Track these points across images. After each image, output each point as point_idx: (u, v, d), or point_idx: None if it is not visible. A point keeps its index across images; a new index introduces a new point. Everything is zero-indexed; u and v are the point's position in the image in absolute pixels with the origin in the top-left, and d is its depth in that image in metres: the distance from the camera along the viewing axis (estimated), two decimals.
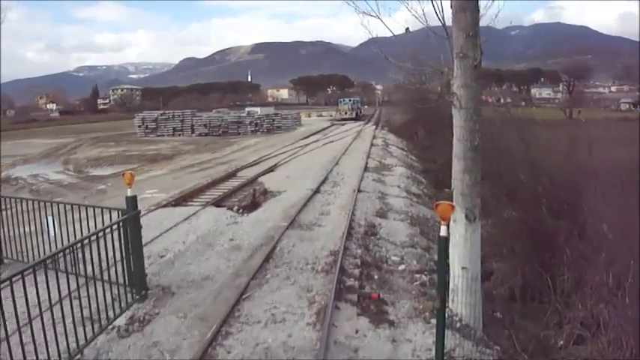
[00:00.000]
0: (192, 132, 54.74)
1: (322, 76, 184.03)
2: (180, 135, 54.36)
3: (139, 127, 56.34)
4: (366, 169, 20.17)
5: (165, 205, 14.36)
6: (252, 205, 13.88)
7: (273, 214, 12.35)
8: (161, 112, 59.95)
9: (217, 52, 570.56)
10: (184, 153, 36.83)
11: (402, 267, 9.16)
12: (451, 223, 7.17)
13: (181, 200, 15.05)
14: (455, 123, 6.85)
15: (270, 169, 20.75)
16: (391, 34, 7.88)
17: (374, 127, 52.48)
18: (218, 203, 14.34)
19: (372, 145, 31.01)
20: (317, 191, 15.44)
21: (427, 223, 13.54)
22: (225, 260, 8.88)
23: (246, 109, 67.18)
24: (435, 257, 10.86)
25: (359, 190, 15.31)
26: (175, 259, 9.08)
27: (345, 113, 67.25)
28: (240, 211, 13.54)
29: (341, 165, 21.63)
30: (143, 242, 10.65)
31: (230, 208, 13.72)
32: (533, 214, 11.50)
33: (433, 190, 19.96)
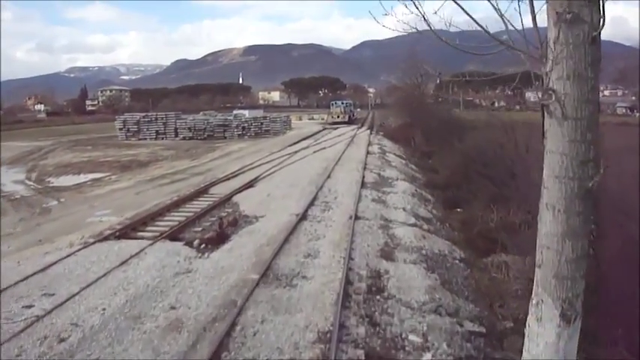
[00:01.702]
0: (176, 135, 51.53)
1: (314, 78, 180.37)
2: (163, 139, 51.20)
3: (120, 129, 53.24)
4: (363, 184, 16.96)
5: (106, 237, 11.09)
6: (218, 239, 10.68)
7: (242, 257, 9.13)
8: (143, 114, 56.60)
9: (209, 53, 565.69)
10: (162, 160, 33.55)
11: (427, 358, 5.99)
12: (531, 319, 4.08)
13: (130, 229, 11.79)
14: (548, 145, 3.65)
15: (250, 184, 17.46)
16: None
17: (368, 131, 49.20)
18: (175, 235, 11.10)
19: (367, 152, 27.76)
20: (303, 217, 12.23)
21: (445, 262, 10.40)
22: (151, 353, 5.66)
23: (234, 112, 63.97)
24: (471, 327, 7.81)
25: (356, 217, 12.10)
26: (79, 348, 5.85)
27: (338, 117, 63.79)
28: (202, 246, 10.36)
29: (334, 178, 18.42)
30: (52, 303, 7.51)
31: (189, 243, 10.52)
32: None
33: (442, 210, 16.81)
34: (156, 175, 23.63)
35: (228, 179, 19.10)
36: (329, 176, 18.78)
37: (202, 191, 16.42)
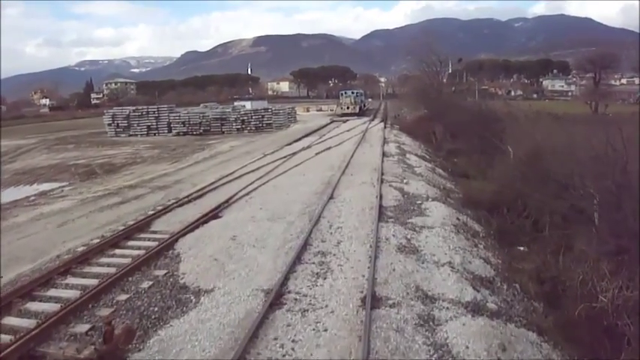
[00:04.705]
0: (169, 131, 46.84)
1: (323, 68, 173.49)
2: (155, 134, 46.83)
3: (109, 125, 48.98)
4: (381, 213, 11.45)
5: None
6: None
7: None
8: (133, 108, 52.00)
9: (219, 45, 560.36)
10: (139, 162, 28.52)
11: None
12: None
13: None
14: None
15: (215, 213, 12.03)
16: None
17: (382, 124, 43.32)
18: (32, 349, 5.81)
19: (383, 154, 22.17)
20: (277, 299, 6.82)
21: None
22: None
23: (235, 103, 58.68)
24: None
25: (374, 300, 6.68)
26: None
27: (347, 108, 57.42)
28: None
29: (338, 201, 12.93)
30: None
31: None
32: None
33: (499, 248, 11.32)
34: (112, 189, 18.37)
35: (190, 201, 13.67)
36: (331, 196, 13.29)
37: (141, 227, 10.99)
